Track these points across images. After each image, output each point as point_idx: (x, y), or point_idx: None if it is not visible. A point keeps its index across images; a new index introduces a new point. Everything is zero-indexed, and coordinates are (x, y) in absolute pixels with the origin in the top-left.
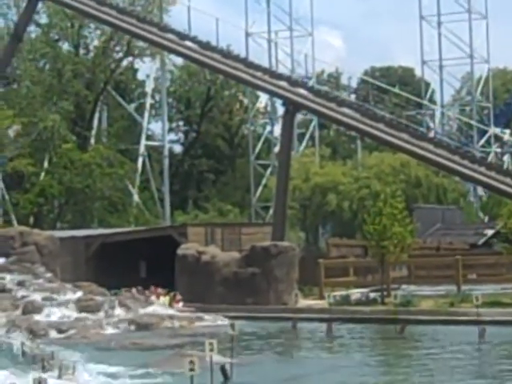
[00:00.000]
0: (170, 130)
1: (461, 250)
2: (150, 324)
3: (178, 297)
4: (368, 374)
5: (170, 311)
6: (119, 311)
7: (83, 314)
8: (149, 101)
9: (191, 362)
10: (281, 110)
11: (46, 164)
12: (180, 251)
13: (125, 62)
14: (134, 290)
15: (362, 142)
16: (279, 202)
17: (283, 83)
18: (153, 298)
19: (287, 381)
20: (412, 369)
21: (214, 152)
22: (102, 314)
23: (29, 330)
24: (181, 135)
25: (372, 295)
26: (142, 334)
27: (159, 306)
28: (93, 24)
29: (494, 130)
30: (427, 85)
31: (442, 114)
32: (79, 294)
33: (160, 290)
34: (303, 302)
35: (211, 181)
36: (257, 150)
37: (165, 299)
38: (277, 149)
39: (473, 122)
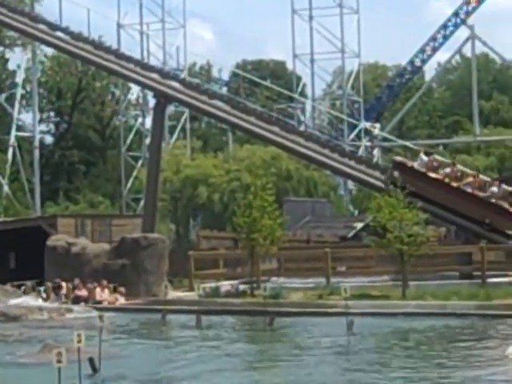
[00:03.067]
0: (41, 120)
1: (330, 243)
2: (19, 315)
3: (121, 289)
4: (233, 365)
5: (39, 303)
6: None
7: None
8: (19, 91)
9: (58, 354)
10: (152, 102)
11: None
12: (50, 242)
13: None
14: (76, 281)
15: (233, 134)
16: (150, 193)
17: (155, 75)
18: (98, 289)
19: (155, 373)
20: (275, 360)
21: (86, 143)
22: None
23: None
24: (52, 126)
25: (242, 287)
26: (11, 326)
27: (29, 297)
28: None
29: (364, 124)
30: (298, 78)
31: (313, 107)
32: None
33: (105, 283)
34: (173, 294)
35: (82, 172)
36: (128, 141)
37: (107, 292)
38: (148, 141)
39: (343, 116)
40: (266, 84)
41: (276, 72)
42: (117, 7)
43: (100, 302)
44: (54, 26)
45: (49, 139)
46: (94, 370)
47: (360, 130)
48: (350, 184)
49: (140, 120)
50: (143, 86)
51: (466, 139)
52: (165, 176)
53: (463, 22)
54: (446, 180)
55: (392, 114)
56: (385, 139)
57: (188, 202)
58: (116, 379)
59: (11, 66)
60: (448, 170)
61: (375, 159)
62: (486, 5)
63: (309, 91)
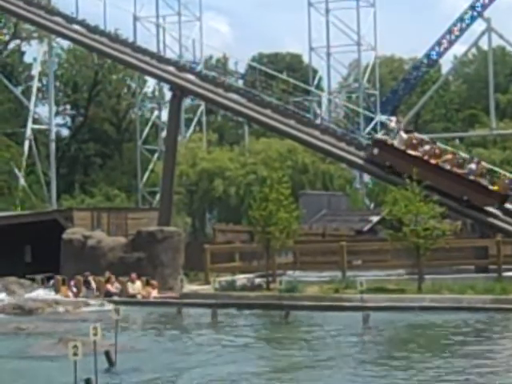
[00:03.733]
0: (57, 113)
1: (346, 236)
2: (35, 309)
3: (154, 282)
4: (247, 358)
5: (55, 296)
6: (3, 296)
7: None
8: (36, 84)
9: (75, 347)
10: (168, 95)
11: None
12: (66, 236)
13: (12, 45)
14: (107, 274)
15: (249, 127)
16: (166, 187)
17: (171, 68)
18: (129, 283)
19: (171, 367)
20: (290, 354)
21: (102, 136)
22: None
23: None
24: (68, 119)
25: (257, 281)
26: (27, 319)
27: (44, 290)
28: None
29: (380, 117)
30: (315, 71)
31: (329, 100)
32: None
33: (134, 275)
34: (189, 287)
35: (98, 165)
36: (144, 134)
37: (138, 284)
38: (164, 134)
39: (359, 109)
40: (282, 77)
41: (292, 65)
42: (133, 0)
43: (134, 296)
44: (70, 19)
45: (65, 132)
46: (111, 363)
47: (376, 123)
48: (366, 177)
49: (156, 113)
50: (159, 78)
51: (482, 132)
52: (181, 169)
53: (480, 14)
54: (425, 157)
55: (408, 107)
56: None
57: (204, 195)
58: (132, 372)
59: (27, 58)
60: (427, 147)
61: None
62: None
63: (325, 84)
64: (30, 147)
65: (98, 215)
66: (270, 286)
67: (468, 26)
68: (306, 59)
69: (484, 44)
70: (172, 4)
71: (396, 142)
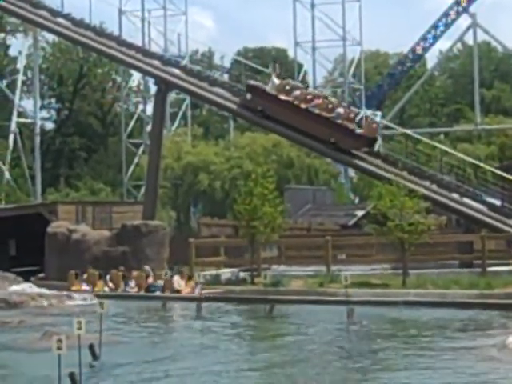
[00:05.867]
0: (42, 107)
1: (331, 231)
2: (20, 302)
3: (196, 279)
4: (231, 353)
5: (39, 290)
6: None
7: None
8: (21, 77)
9: (59, 341)
10: (153, 89)
11: None
12: (50, 229)
13: None
14: (147, 268)
15: (234, 122)
16: (151, 180)
17: (156, 62)
18: (176, 277)
19: (156, 361)
20: (274, 348)
21: (87, 130)
22: None
23: None
24: (53, 112)
25: (242, 275)
26: (11, 313)
27: (27, 284)
28: None
29: (365, 111)
30: (300, 66)
31: None
32: None
33: (184, 271)
34: None
35: (83, 159)
36: (129, 128)
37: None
38: (149, 128)
39: (344, 104)
40: (268, 71)
41: (277, 59)
42: None
43: (178, 291)
44: (55, 13)
45: (50, 126)
46: (95, 356)
47: (361, 118)
48: (351, 172)
49: (141, 107)
50: (144, 72)
51: (467, 127)
52: (166, 163)
53: (465, 9)
54: (296, 102)
55: (393, 102)
56: (386, 127)
57: (189, 189)
58: (116, 365)
59: (13, 52)
60: (298, 92)
61: (376, 147)
62: None
63: (310, 79)
64: (15, 141)
65: (82, 209)
66: (254, 280)
67: (453, 21)
68: (291, 54)
69: (469, 39)
70: None
71: (268, 88)
